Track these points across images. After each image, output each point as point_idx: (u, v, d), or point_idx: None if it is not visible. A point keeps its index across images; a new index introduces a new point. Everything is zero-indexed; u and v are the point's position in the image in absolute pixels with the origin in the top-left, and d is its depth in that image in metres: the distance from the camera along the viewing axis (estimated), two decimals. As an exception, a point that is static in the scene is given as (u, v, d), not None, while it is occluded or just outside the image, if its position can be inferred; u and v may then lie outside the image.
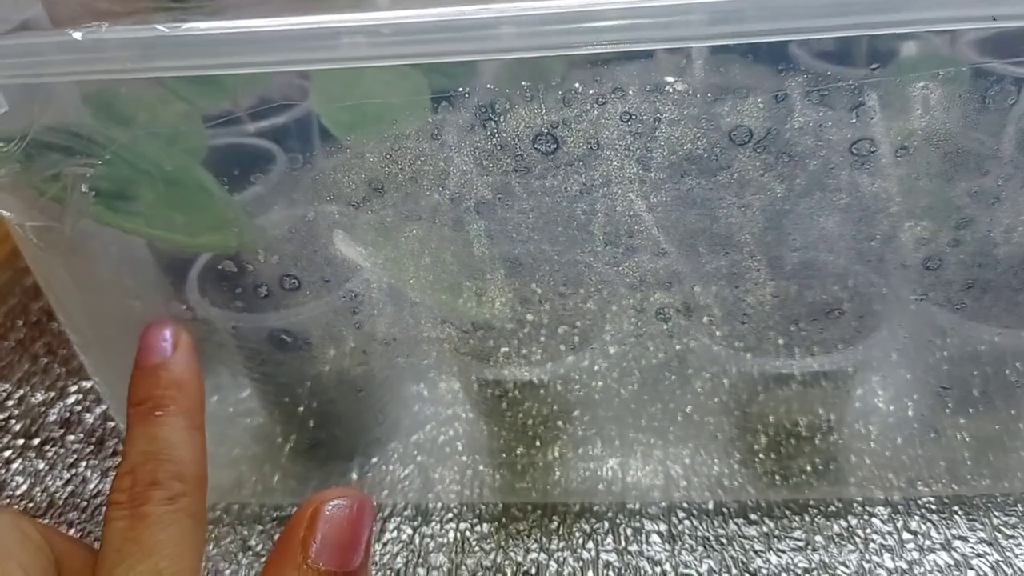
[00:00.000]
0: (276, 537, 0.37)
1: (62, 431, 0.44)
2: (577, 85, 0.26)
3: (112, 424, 0.44)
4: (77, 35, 0.26)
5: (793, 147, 0.28)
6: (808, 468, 0.36)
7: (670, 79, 0.26)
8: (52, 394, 0.47)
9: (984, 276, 0.30)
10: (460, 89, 0.27)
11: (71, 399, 0.46)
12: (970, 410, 0.35)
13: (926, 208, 0.29)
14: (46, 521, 0.39)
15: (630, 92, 0.27)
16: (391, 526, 0.37)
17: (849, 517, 0.35)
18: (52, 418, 0.45)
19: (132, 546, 0.24)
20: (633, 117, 0.27)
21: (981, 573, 0.32)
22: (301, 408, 0.37)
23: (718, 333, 0.32)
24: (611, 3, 0.24)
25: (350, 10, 0.25)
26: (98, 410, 0.45)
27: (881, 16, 0.23)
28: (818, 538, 0.34)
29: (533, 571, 0.34)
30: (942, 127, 0.27)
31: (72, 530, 0.39)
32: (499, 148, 0.28)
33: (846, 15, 0.23)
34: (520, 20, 0.24)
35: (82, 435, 0.44)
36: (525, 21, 0.24)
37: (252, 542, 0.37)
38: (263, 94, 0.32)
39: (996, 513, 0.35)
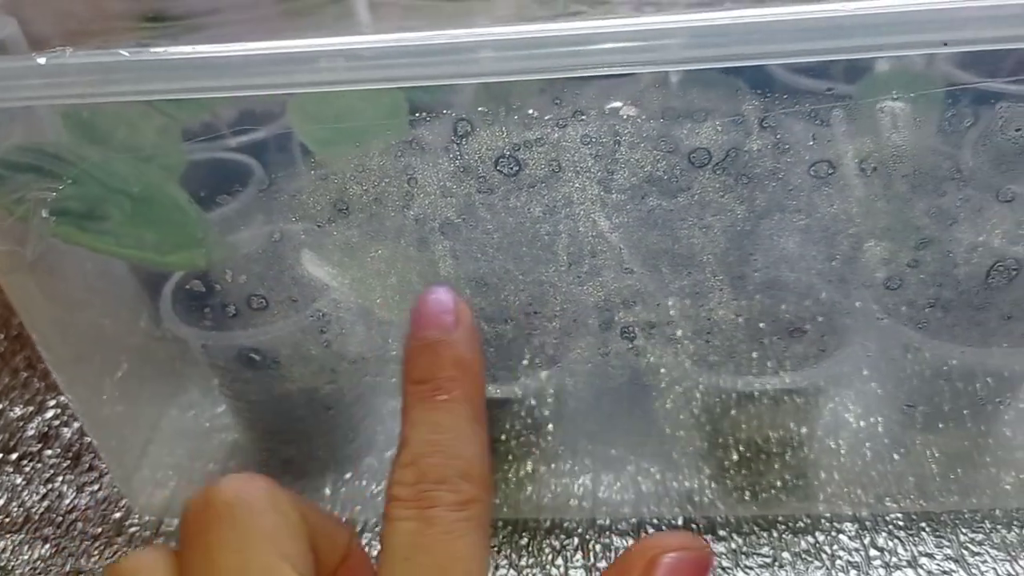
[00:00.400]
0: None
1: (40, 446, 0.44)
2: (531, 111, 0.27)
3: (88, 439, 0.44)
4: (41, 60, 0.26)
5: (752, 168, 0.28)
6: (778, 484, 0.36)
7: (619, 104, 0.26)
8: (31, 408, 0.47)
9: (945, 295, 0.30)
10: (439, 107, 0.27)
11: (49, 413, 0.46)
12: (939, 426, 0.36)
13: (885, 228, 0.29)
14: (21, 537, 0.39)
15: (590, 115, 0.27)
16: (362, 542, 0.37)
17: (817, 533, 0.35)
18: (30, 432, 0.45)
19: (424, 557, 0.21)
20: (593, 140, 0.28)
21: (947, 590, 0.33)
22: (274, 425, 0.37)
23: (684, 351, 0.32)
24: (591, 27, 0.24)
25: (316, 33, 0.26)
26: (75, 424, 0.45)
27: (833, 42, 0.24)
28: (785, 554, 0.34)
29: (502, 588, 0.34)
30: (902, 147, 0.27)
31: (47, 545, 0.39)
32: (462, 170, 0.29)
33: (794, 41, 0.23)
34: (499, 44, 0.24)
35: (59, 450, 0.44)
36: (504, 45, 0.24)
37: (224, 558, 0.37)
38: (245, 108, 0.33)
39: (963, 530, 0.35)
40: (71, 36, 0.29)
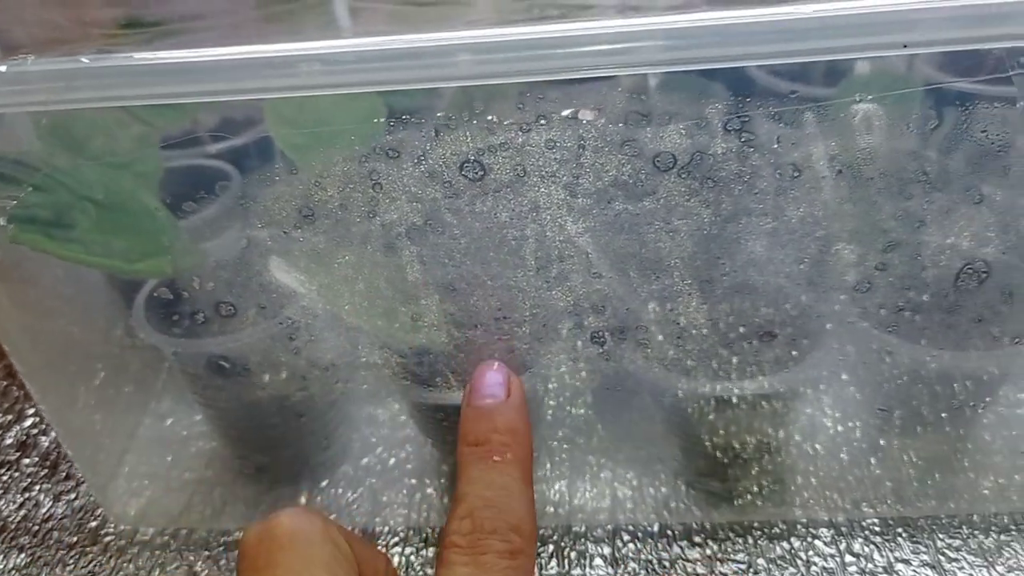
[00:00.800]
0: (222, 563, 0.37)
1: (17, 454, 0.44)
2: (491, 117, 0.26)
3: (66, 448, 0.44)
4: (2, 68, 0.26)
5: (718, 172, 0.28)
6: (754, 489, 0.36)
7: (577, 110, 0.26)
8: (10, 417, 0.47)
9: (914, 299, 0.30)
10: (419, 111, 0.27)
11: (28, 422, 0.46)
12: (917, 430, 0.35)
13: (853, 231, 0.29)
14: (-4, 546, 0.39)
15: (553, 119, 0.27)
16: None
17: (792, 539, 0.35)
18: (8, 441, 0.45)
19: None
20: (557, 144, 0.28)
21: (923, 596, 0.32)
22: (246, 432, 0.37)
23: (655, 356, 0.32)
24: (568, 30, 0.24)
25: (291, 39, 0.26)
26: (53, 433, 0.45)
27: (791, 45, 0.24)
28: (760, 560, 0.34)
29: (476, 596, 0.34)
30: (871, 149, 0.27)
31: (23, 555, 0.39)
32: (427, 175, 0.28)
33: (749, 44, 0.23)
34: (477, 47, 0.24)
35: (37, 459, 0.44)
36: (482, 48, 0.24)
37: (198, 568, 0.37)
38: (226, 115, 0.33)
39: (940, 535, 0.34)
40: (47, 44, 0.29)
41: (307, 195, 0.29)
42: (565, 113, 0.26)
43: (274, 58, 0.25)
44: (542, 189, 0.28)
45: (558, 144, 0.28)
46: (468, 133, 0.28)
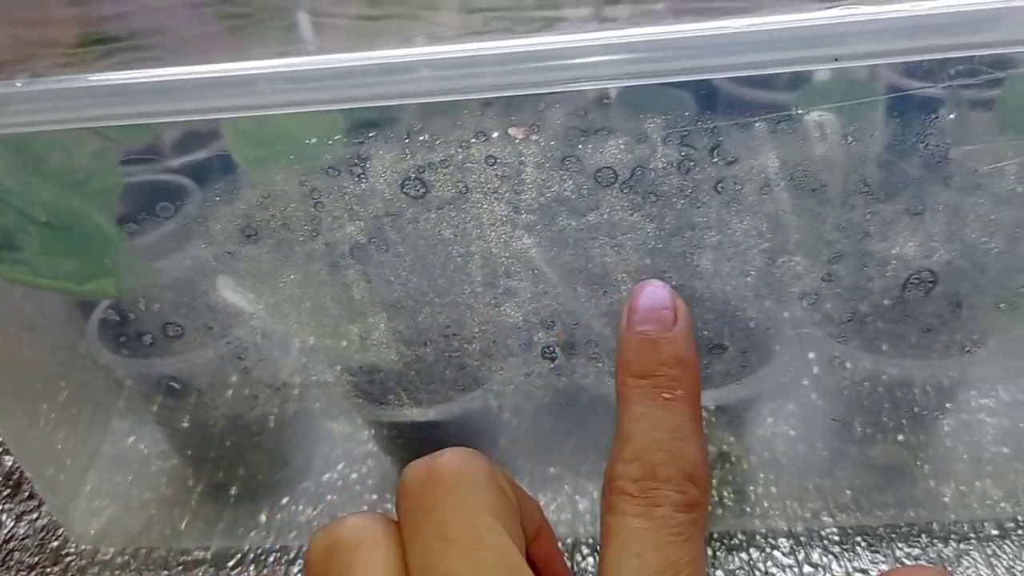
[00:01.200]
0: (181, 582, 0.37)
1: (-20, 474, 0.44)
2: (424, 137, 0.26)
3: (29, 467, 0.44)
4: (-68, 91, 0.26)
5: (659, 186, 0.28)
6: (712, 499, 0.36)
7: (497, 132, 0.26)
8: (-26, 437, 0.46)
9: (861, 309, 0.30)
10: (383, 125, 0.27)
11: (-8, 441, 0.46)
12: (876, 438, 0.35)
13: (798, 243, 0.29)
14: (-44, 569, 0.39)
15: (493, 136, 0.27)
16: (295, 570, 0.36)
17: (751, 549, 0.35)
18: (-28, 461, 0.45)
19: (655, 556, 0.21)
20: (498, 161, 0.27)
21: (881, 606, 0.32)
22: (202, 452, 0.37)
23: (606, 370, 0.32)
24: (529, 44, 0.24)
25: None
26: (17, 453, 0.45)
27: (722, 59, 0.23)
28: (719, 572, 0.34)
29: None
30: (815, 160, 0.27)
31: (-16, 577, 0.39)
32: (368, 193, 0.28)
33: (680, 59, 0.23)
34: (439, 63, 0.24)
35: (0, 478, 0.44)
36: (443, 64, 0.24)
37: (158, 587, 0.37)
38: (189, 129, 0.32)
39: (899, 544, 0.34)
40: (11, 64, 0.29)
41: (249, 215, 0.29)
42: (495, 135, 0.26)
43: (233, 77, 0.25)
44: (485, 205, 0.28)
45: (499, 160, 0.27)
46: (408, 150, 0.27)
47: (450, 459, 0.22)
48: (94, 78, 0.26)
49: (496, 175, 0.28)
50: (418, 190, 0.28)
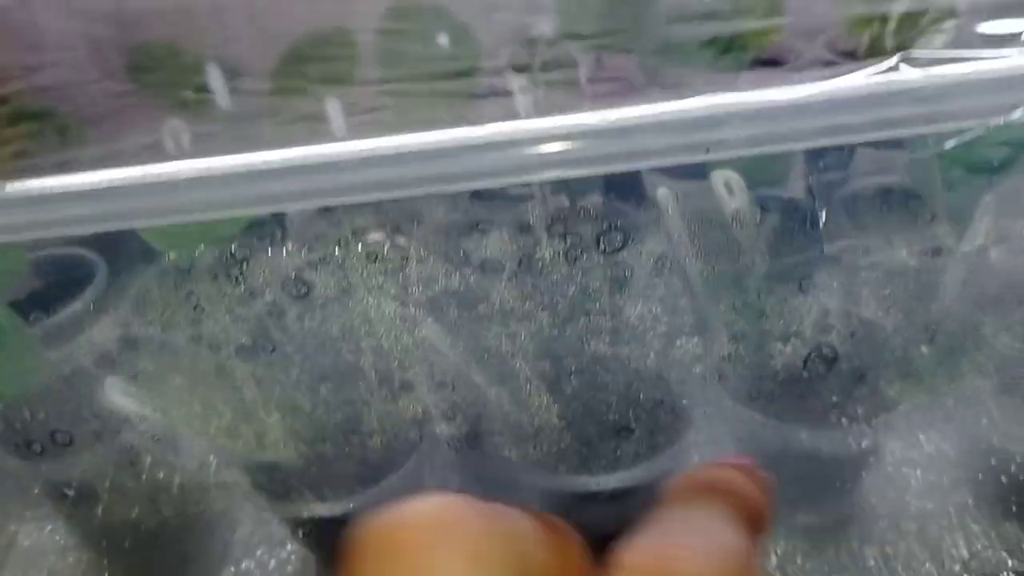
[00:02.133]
0: None
1: None
2: (290, 245, 0.25)
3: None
4: None
5: (548, 275, 0.27)
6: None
7: (354, 235, 0.25)
8: None
9: (766, 386, 0.29)
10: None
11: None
12: (799, 503, 0.35)
13: (695, 325, 0.28)
14: None
15: (371, 234, 0.26)
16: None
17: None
18: None
19: None
20: (379, 257, 0.26)
21: None
22: (109, 551, 0.35)
23: (513, 457, 0.31)
24: (441, 139, 0.23)
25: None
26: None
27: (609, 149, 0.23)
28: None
29: None
30: (705, 242, 0.27)
31: None
32: (249, 294, 0.27)
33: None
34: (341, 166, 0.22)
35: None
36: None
37: None
38: None
39: (827, 613, 0.34)
40: None
41: (126, 322, 0.28)
42: (351, 236, 0.25)
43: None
44: (371, 301, 0.27)
45: (380, 257, 0.26)
46: (286, 250, 0.27)
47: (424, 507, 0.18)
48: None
49: (379, 271, 0.27)
50: (300, 289, 0.27)
